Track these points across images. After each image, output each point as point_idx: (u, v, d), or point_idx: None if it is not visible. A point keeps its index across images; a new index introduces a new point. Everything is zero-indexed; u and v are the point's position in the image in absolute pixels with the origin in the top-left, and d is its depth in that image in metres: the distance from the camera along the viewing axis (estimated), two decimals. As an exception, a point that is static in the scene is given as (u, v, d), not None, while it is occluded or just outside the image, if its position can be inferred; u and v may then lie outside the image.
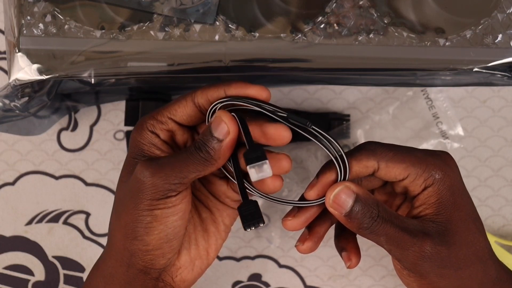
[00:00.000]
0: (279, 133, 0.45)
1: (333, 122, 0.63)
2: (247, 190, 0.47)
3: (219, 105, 0.46)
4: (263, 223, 0.46)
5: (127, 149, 0.59)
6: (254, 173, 0.44)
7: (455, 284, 0.45)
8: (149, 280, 0.47)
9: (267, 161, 0.44)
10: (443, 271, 0.45)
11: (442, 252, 0.44)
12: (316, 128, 0.45)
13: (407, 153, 0.46)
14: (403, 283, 0.48)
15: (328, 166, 0.47)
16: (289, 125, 0.45)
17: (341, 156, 0.45)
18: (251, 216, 0.46)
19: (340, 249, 0.49)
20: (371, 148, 0.46)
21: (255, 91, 0.46)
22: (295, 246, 0.49)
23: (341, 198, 0.45)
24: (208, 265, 0.51)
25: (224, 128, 0.44)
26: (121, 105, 0.63)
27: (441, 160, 0.46)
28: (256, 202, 0.46)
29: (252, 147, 0.44)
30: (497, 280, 0.46)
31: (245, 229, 0.46)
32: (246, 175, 0.47)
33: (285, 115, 0.45)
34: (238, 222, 0.64)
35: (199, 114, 0.47)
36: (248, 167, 0.44)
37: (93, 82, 0.49)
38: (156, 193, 0.45)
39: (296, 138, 0.62)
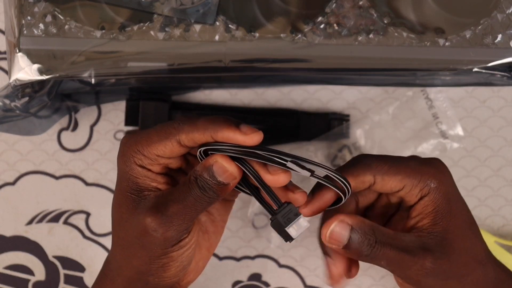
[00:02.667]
0: (278, 181, 0.43)
1: (333, 122, 0.63)
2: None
3: (210, 151, 0.44)
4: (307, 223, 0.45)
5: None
6: (294, 231, 0.44)
7: None
8: None
9: (301, 215, 0.44)
10: (447, 282, 0.45)
11: (444, 265, 0.44)
12: (323, 169, 0.43)
13: (401, 164, 0.46)
14: None
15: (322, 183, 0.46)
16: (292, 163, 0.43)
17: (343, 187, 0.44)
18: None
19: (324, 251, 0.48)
20: (367, 162, 0.46)
21: (244, 139, 0.43)
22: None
23: (337, 233, 0.44)
24: (209, 259, 0.51)
25: (230, 177, 0.44)
26: (121, 105, 0.63)
27: (435, 169, 0.46)
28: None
29: (280, 205, 0.44)
30: (496, 281, 0.46)
31: (289, 241, 0.45)
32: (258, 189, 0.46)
33: (285, 162, 0.42)
34: (237, 222, 0.64)
35: (187, 149, 0.46)
36: (286, 229, 0.43)
37: (93, 82, 0.49)
38: (170, 242, 0.45)
39: (296, 138, 0.63)
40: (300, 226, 0.44)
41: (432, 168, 0.46)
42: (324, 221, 0.46)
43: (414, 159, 0.47)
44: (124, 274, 0.47)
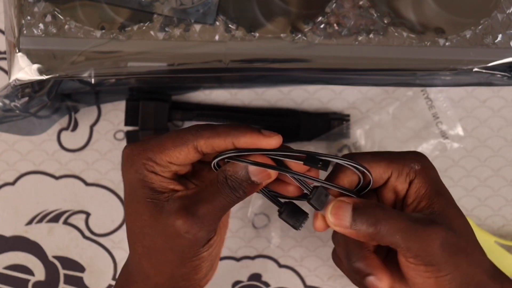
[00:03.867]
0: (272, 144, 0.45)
1: (333, 122, 0.63)
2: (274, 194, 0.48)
3: (228, 158, 0.45)
4: (307, 215, 0.47)
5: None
6: (328, 217, 0.45)
7: (467, 273, 0.45)
8: None
9: (330, 195, 0.45)
10: (456, 258, 0.44)
11: (453, 238, 0.44)
12: (337, 160, 0.45)
13: (383, 153, 0.47)
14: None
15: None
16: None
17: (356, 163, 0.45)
18: (296, 215, 0.47)
19: (363, 275, 0.46)
20: (350, 157, 0.46)
21: (268, 144, 0.44)
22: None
23: (339, 214, 0.44)
24: (220, 254, 0.52)
25: (266, 176, 0.44)
26: (121, 105, 0.63)
27: (414, 154, 0.47)
28: (291, 203, 0.47)
29: (311, 190, 0.45)
30: (492, 269, 0.46)
31: (298, 229, 0.47)
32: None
33: (301, 162, 0.44)
34: (237, 222, 0.64)
35: (201, 156, 0.46)
36: (320, 213, 0.45)
37: (93, 82, 0.49)
38: (201, 243, 0.45)
39: (297, 138, 0.63)
40: (329, 203, 0.45)
41: (411, 154, 0.47)
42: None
43: (396, 151, 0.48)
44: (152, 283, 0.47)
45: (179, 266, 0.45)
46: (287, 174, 0.45)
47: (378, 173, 0.46)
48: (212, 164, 0.46)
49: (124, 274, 0.49)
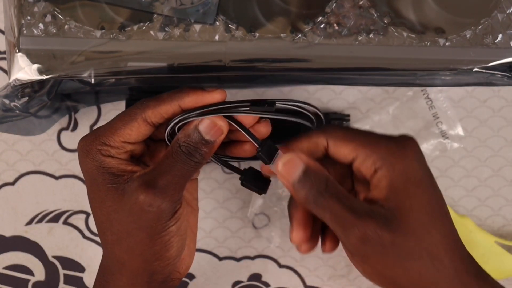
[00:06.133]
0: (215, 98, 0.47)
1: (333, 122, 0.63)
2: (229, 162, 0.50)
3: (179, 124, 0.46)
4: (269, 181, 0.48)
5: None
6: (278, 165, 0.45)
7: (402, 276, 0.43)
8: (166, 286, 0.47)
9: (279, 151, 0.46)
10: (386, 259, 0.43)
11: (385, 238, 0.42)
12: (283, 103, 0.47)
13: (358, 134, 0.46)
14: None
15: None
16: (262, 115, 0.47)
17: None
18: (259, 180, 0.48)
19: (290, 221, 0.49)
20: (325, 128, 0.47)
21: (212, 98, 0.46)
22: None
23: (290, 166, 0.44)
24: (196, 241, 0.52)
25: (218, 131, 0.45)
26: (121, 105, 0.63)
27: (396, 145, 0.45)
28: (250, 168, 0.48)
29: (260, 144, 0.46)
30: (456, 281, 0.43)
31: (262, 193, 0.49)
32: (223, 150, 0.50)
33: (247, 108, 0.46)
34: (237, 222, 0.64)
35: (153, 129, 0.47)
36: (269, 166, 0.46)
37: (93, 82, 0.49)
38: (167, 215, 0.45)
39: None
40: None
41: (392, 144, 0.45)
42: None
43: (379, 134, 0.47)
44: (127, 270, 0.46)
45: (149, 244, 0.45)
46: (235, 125, 0.45)
47: (342, 153, 0.46)
48: (166, 137, 0.47)
49: (101, 269, 0.49)
